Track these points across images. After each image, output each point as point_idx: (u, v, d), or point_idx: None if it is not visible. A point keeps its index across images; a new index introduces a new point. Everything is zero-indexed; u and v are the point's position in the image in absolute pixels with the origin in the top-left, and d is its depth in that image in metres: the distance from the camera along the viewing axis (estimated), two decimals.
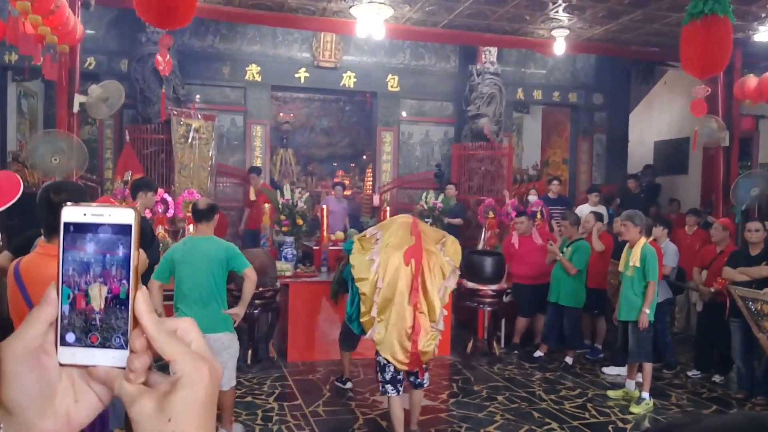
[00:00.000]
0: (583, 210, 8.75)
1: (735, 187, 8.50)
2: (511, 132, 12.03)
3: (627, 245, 5.99)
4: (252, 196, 9.04)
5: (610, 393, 6.14)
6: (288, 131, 13.60)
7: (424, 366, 4.50)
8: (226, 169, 9.83)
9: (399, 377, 4.46)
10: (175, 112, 8.60)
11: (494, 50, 10.36)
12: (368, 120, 12.23)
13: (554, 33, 8.59)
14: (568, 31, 8.57)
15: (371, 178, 11.70)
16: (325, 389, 6.06)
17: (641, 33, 8.89)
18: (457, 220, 9.21)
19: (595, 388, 6.37)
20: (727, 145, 8.95)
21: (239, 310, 4.38)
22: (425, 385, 4.69)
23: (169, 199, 7.04)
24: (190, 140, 8.57)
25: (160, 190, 6.69)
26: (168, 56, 7.31)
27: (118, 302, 0.56)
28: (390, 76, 10.68)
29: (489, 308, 7.35)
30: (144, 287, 0.57)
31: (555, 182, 9.95)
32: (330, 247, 7.66)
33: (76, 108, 7.04)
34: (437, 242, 4.58)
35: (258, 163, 10.12)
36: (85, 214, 0.56)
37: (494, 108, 10.31)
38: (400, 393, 4.50)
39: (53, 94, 7.74)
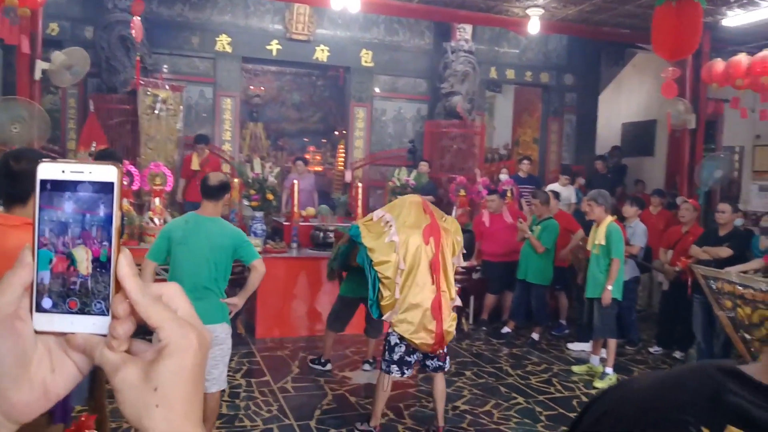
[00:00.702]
0: (554, 188, 8.85)
1: (699, 169, 8.66)
2: (483, 111, 12.04)
3: (594, 224, 6.10)
4: (195, 166, 8.43)
5: (575, 368, 6.26)
6: (258, 105, 13.42)
7: (444, 348, 4.37)
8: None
9: (409, 359, 4.31)
10: (142, 82, 8.40)
11: (469, 28, 10.33)
12: (341, 95, 12.12)
13: (529, 12, 8.59)
14: (542, 11, 8.57)
15: (343, 154, 11.63)
16: (293, 365, 6.06)
17: (614, 14, 8.93)
18: (429, 198, 9.21)
19: (560, 363, 6.49)
20: (693, 127, 9.09)
21: (238, 301, 3.97)
22: (446, 368, 4.54)
23: (135, 171, 6.91)
24: (157, 111, 8.38)
25: (125, 162, 6.57)
26: (139, 22, 7.14)
27: (100, 265, 0.53)
28: (364, 51, 10.57)
29: (458, 285, 7.39)
30: (126, 250, 0.54)
31: (525, 161, 10.02)
32: (300, 223, 7.62)
33: (37, 75, 6.83)
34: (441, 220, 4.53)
35: (227, 136, 9.98)
36: (63, 171, 0.53)
37: (467, 86, 10.30)
38: (404, 376, 4.38)
39: (13, 60, 7.50)
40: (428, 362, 4.43)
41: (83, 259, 0.52)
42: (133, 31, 7.12)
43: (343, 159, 11.64)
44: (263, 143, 13.19)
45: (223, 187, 3.94)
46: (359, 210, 7.87)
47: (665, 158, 10.61)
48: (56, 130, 8.85)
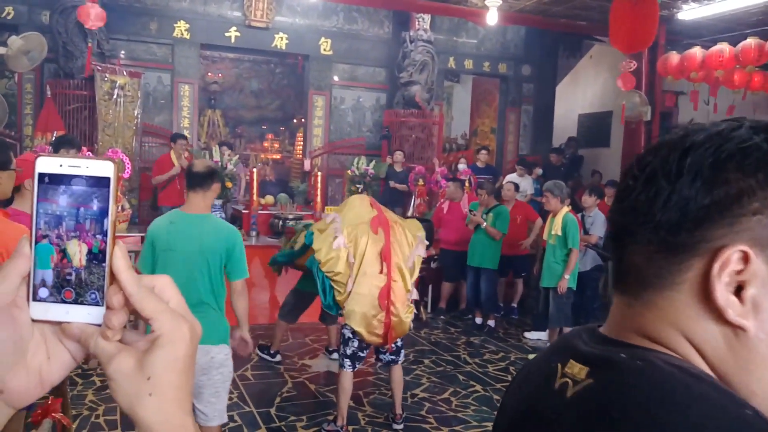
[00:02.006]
0: (512, 179, 8.99)
1: None
2: (441, 100, 12.12)
3: (550, 215, 6.22)
4: (176, 167, 7.80)
5: (532, 357, 6.38)
6: (216, 92, 13.25)
7: (398, 342, 4.35)
8: (152, 128, 9.49)
9: (361, 354, 4.29)
10: (100, 68, 8.22)
11: (427, 18, 10.36)
12: (299, 83, 12.05)
13: (487, 2, 8.64)
14: (501, 2, 8.64)
15: (302, 143, 11.58)
16: (253, 353, 6.04)
17: (571, 6, 9.07)
18: (403, 186, 9.21)
19: (517, 352, 6.61)
20: (648, 119, 9.31)
21: (246, 335, 3.47)
22: (400, 362, 4.49)
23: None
24: (114, 97, 8.23)
25: (83, 149, 6.42)
26: (98, 8, 6.97)
27: (95, 257, 0.54)
28: (323, 39, 10.52)
29: (418, 275, 7.46)
30: (121, 243, 0.55)
31: (483, 152, 10.12)
32: (259, 212, 7.58)
33: None
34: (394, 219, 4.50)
35: (186, 123, 9.83)
36: (61, 165, 0.54)
37: (426, 75, 10.34)
38: (355, 369, 4.32)
39: None
40: (381, 356, 4.45)
41: (78, 251, 0.54)
42: (90, 22, 6.91)
43: (301, 147, 11.58)
44: (221, 130, 13.04)
45: (211, 174, 3.37)
46: (318, 199, 7.86)
47: (621, 149, 10.85)
48: (12, 116, 8.62)
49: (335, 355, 5.78)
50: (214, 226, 3.39)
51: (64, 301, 0.54)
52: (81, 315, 0.55)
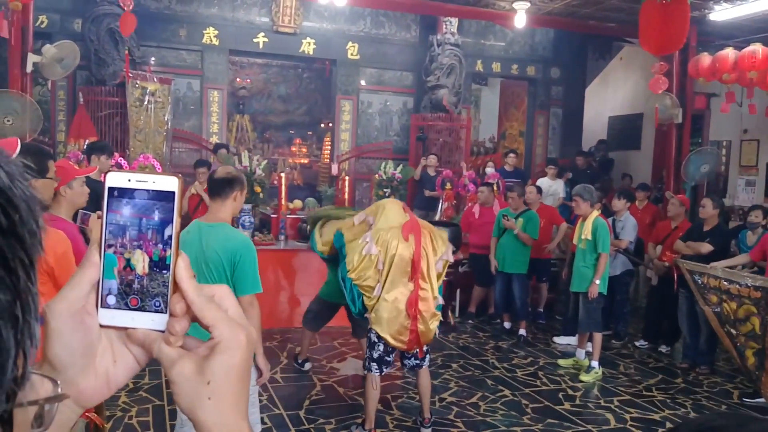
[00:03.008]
0: (543, 183, 8.91)
1: (686, 163, 8.73)
2: (469, 104, 12.07)
3: (579, 219, 6.14)
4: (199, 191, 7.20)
5: (561, 362, 6.31)
6: (245, 97, 13.36)
7: (424, 347, 4.31)
8: (182, 134, 9.63)
9: (388, 358, 4.26)
10: (131, 75, 8.36)
11: (455, 21, 10.33)
12: (327, 88, 12.10)
13: (515, 5, 8.60)
14: (529, 4, 8.59)
15: (329, 147, 11.62)
16: (282, 356, 6.07)
17: (600, 8, 8.97)
18: (435, 193, 9.15)
19: (546, 357, 6.54)
20: (680, 122, 9.16)
21: (262, 363, 3.20)
22: (425, 366, 4.45)
23: (125, 163, 6.88)
24: (145, 103, 8.35)
25: (115, 154, 6.53)
26: (131, 15, 7.09)
27: (159, 267, 0.57)
28: (350, 43, 10.56)
29: (445, 278, 7.43)
30: (184, 253, 0.58)
31: (511, 155, 10.06)
32: (288, 216, 7.62)
33: (29, 68, 6.79)
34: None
35: (215, 129, 9.94)
36: (129, 180, 0.57)
37: (453, 79, 10.31)
38: (382, 373, 4.30)
39: (3, 52, 7.43)
40: (405, 361, 4.42)
41: (144, 261, 0.57)
42: (128, 27, 7.02)
43: (329, 151, 11.62)
44: (250, 135, 13.14)
45: (231, 181, 3.19)
46: (346, 204, 7.88)
47: (652, 152, 10.70)
48: (46, 122, 8.76)
49: (308, 365, 5.75)
50: (222, 235, 3.13)
51: (129, 308, 0.58)
52: (145, 321, 0.58)
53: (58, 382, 0.54)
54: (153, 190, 0.57)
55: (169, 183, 0.57)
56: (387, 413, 4.88)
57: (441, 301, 4.38)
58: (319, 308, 5.56)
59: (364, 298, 4.18)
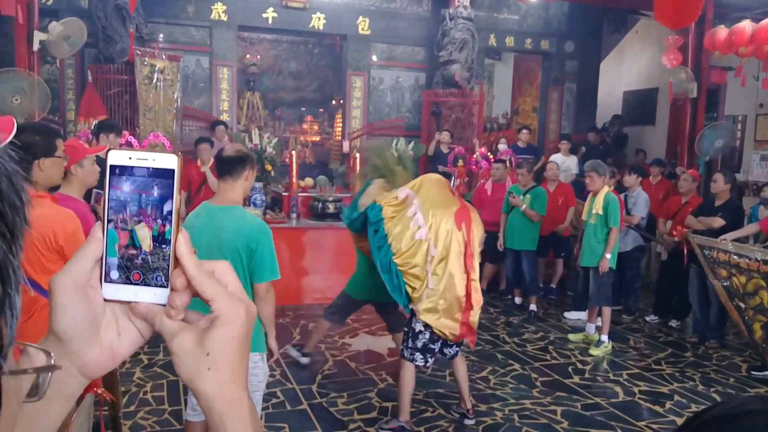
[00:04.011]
0: (557, 159, 8.85)
1: (700, 138, 8.63)
2: (482, 79, 11.96)
3: (590, 194, 6.12)
4: (203, 168, 7.03)
5: (571, 336, 6.33)
6: (255, 74, 13.31)
7: None
8: (192, 112, 9.62)
9: (432, 347, 4.03)
10: (139, 52, 8.34)
11: None
12: (338, 64, 12.03)
13: None
14: None
15: (341, 124, 11.58)
16: (295, 332, 6.13)
17: None
18: (447, 170, 9.10)
19: (556, 331, 6.56)
20: (695, 96, 9.03)
21: (271, 343, 3.17)
22: (459, 352, 4.27)
23: (134, 141, 6.91)
24: (154, 81, 8.34)
25: (124, 133, 6.55)
26: None
27: (161, 243, 0.59)
28: (360, 18, 10.46)
29: None
30: (184, 229, 0.60)
31: (524, 131, 9.98)
32: (299, 194, 7.64)
33: (36, 46, 6.79)
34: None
35: (225, 106, 9.92)
36: (130, 158, 0.59)
37: (466, 54, 10.19)
38: (428, 364, 4.10)
39: (9, 30, 7.43)
40: (446, 350, 4.16)
41: (146, 236, 0.59)
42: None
43: (340, 129, 11.59)
44: (261, 113, 13.12)
45: (242, 159, 3.07)
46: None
47: (666, 127, 10.57)
48: (55, 101, 8.80)
49: (305, 360, 5.34)
50: (238, 220, 3.00)
51: (132, 283, 0.60)
52: (148, 296, 0.60)
53: (52, 354, 0.56)
54: (153, 168, 0.59)
55: (170, 161, 0.59)
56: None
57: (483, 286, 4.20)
58: (343, 303, 5.16)
59: (407, 287, 3.90)
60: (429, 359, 4.08)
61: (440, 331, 3.95)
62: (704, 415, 0.65)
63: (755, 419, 0.60)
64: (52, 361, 0.55)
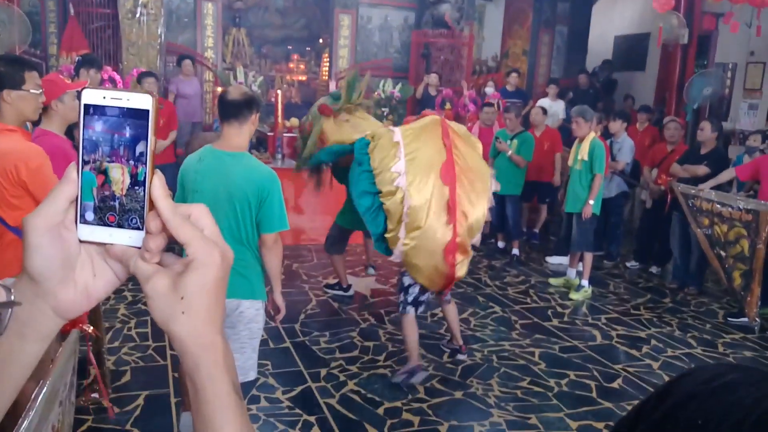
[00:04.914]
0: (544, 103, 8.80)
1: (689, 85, 8.59)
2: (472, 20, 11.74)
3: (576, 140, 6.11)
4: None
5: (552, 280, 6.43)
6: (240, 10, 12.97)
7: None
8: (177, 48, 9.40)
9: (423, 298, 4.12)
10: None
11: None
12: (325, 1, 11.75)
13: None
14: None
15: (327, 64, 11.40)
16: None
17: None
18: (434, 113, 9.01)
19: (538, 276, 6.66)
20: (685, 42, 8.95)
21: (278, 298, 3.19)
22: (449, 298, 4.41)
23: (117, 77, 6.77)
24: (137, 15, 8.12)
25: (107, 68, 6.41)
26: None
27: (136, 185, 0.58)
28: None
29: None
30: (159, 171, 0.59)
31: (513, 74, 9.89)
32: (285, 134, 7.57)
33: None
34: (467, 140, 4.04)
35: (210, 43, 9.71)
36: (104, 98, 0.58)
37: None
38: (418, 313, 4.18)
39: None
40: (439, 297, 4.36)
41: (119, 178, 0.58)
42: None
43: (327, 68, 11.41)
44: (247, 50, 12.86)
45: (249, 102, 2.96)
46: None
47: (656, 73, 10.50)
48: (36, 34, 8.56)
49: (351, 291, 5.69)
50: (247, 168, 2.93)
51: (107, 225, 0.59)
52: (123, 238, 0.60)
53: (12, 290, 0.57)
54: (127, 108, 0.58)
55: (144, 101, 0.58)
56: (380, 327, 5.01)
57: (478, 240, 4.07)
58: (337, 233, 5.51)
59: (387, 225, 3.85)
60: (420, 308, 4.18)
61: (424, 285, 4.00)
62: (674, 393, 0.59)
63: (738, 393, 0.55)
64: (12, 297, 0.56)
